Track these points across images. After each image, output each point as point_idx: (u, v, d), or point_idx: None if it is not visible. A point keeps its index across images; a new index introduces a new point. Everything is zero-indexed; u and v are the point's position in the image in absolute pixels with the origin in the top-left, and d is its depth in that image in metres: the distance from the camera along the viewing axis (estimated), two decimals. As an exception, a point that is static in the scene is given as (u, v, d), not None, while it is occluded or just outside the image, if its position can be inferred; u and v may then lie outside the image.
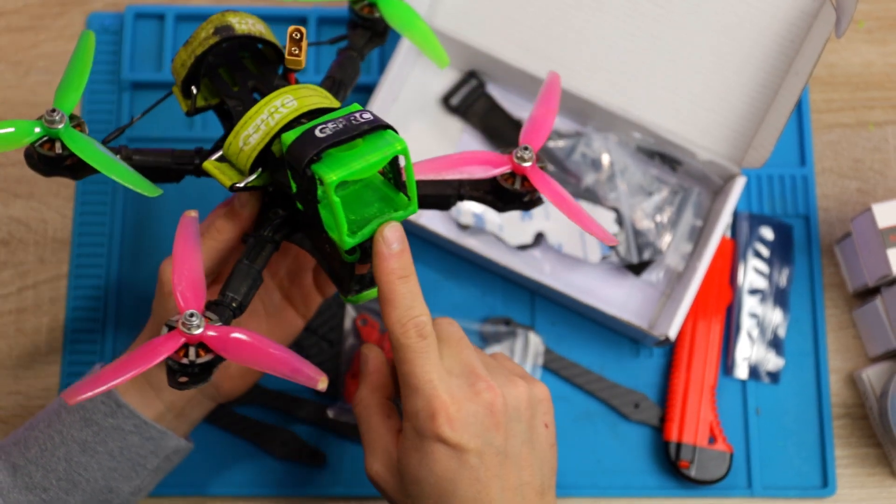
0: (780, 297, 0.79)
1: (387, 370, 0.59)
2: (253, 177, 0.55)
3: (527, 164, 0.59)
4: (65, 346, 0.78)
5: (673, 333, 0.73)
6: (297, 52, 0.56)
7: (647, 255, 0.78)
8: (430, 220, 0.79)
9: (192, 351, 0.50)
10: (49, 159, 0.56)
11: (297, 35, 0.56)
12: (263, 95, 0.58)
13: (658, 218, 0.78)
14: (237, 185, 0.55)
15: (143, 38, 0.84)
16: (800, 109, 0.83)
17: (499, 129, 0.81)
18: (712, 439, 0.75)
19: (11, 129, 0.55)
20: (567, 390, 0.78)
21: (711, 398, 0.76)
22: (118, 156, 0.58)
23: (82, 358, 0.77)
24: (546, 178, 0.59)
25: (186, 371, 0.50)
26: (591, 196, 0.78)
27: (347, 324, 0.77)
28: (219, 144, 0.58)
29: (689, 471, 0.75)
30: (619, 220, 0.78)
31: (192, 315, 0.49)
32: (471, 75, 0.82)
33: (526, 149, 0.59)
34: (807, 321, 0.79)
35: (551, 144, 0.79)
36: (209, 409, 0.66)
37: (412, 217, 0.77)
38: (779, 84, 0.75)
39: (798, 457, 0.77)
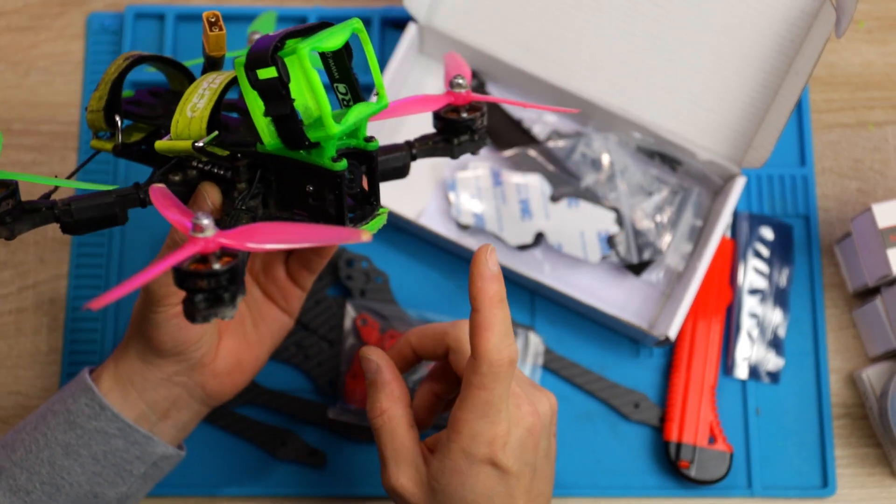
0: (780, 297, 0.79)
1: (402, 377, 0.59)
2: (213, 134, 0.51)
3: (464, 91, 0.57)
4: (65, 346, 0.78)
5: (673, 333, 0.73)
6: (216, 30, 0.54)
7: (647, 255, 0.78)
8: (430, 220, 0.79)
9: (213, 260, 0.44)
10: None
11: (213, 18, 0.54)
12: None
13: (658, 218, 0.78)
14: (197, 143, 0.51)
15: (143, 39, 0.84)
16: (800, 109, 0.83)
17: (498, 128, 0.81)
18: (712, 439, 0.75)
19: None
20: (567, 390, 0.78)
21: (711, 398, 0.76)
22: (50, 212, 0.52)
23: (82, 358, 0.77)
24: (484, 96, 0.58)
25: (208, 287, 0.44)
26: (591, 196, 0.78)
27: (347, 324, 0.77)
28: (156, 172, 0.55)
29: (689, 471, 0.75)
30: (619, 220, 0.78)
31: (202, 216, 0.43)
32: (471, 76, 0.82)
33: (459, 76, 0.58)
34: (807, 321, 0.79)
35: (551, 144, 0.79)
36: (200, 414, 0.64)
37: (412, 217, 0.77)
38: (779, 84, 0.75)
39: (798, 457, 0.77)
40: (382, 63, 0.83)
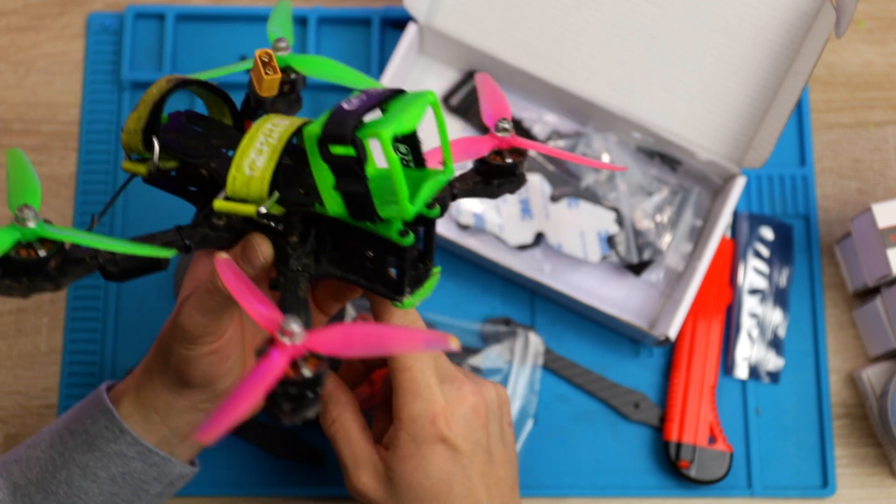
0: (780, 297, 0.79)
1: (345, 384, 0.60)
2: (275, 196, 0.50)
3: (509, 135, 0.56)
4: (65, 346, 0.78)
5: (673, 333, 0.73)
6: (271, 73, 0.53)
7: (646, 256, 0.78)
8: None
9: (302, 365, 0.43)
10: (28, 266, 0.48)
11: (265, 58, 0.54)
12: (230, 148, 0.55)
13: (658, 218, 0.78)
14: (262, 209, 0.50)
15: (144, 38, 0.84)
16: (800, 109, 0.83)
17: (499, 129, 0.81)
18: (712, 439, 0.75)
19: None
20: (567, 390, 0.78)
21: (711, 398, 0.76)
22: (95, 261, 0.51)
23: (82, 358, 0.77)
24: (528, 141, 0.57)
25: (297, 393, 0.43)
26: (591, 196, 0.78)
27: (347, 324, 0.77)
28: (200, 214, 0.54)
29: (689, 471, 0.75)
30: (619, 220, 0.78)
31: (291, 321, 0.43)
32: (471, 75, 0.82)
33: (504, 120, 0.57)
34: (807, 321, 0.79)
35: (551, 144, 0.79)
36: None
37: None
38: (778, 84, 0.75)
39: (798, 457, 0.77)
40: (382, 63, 0.83)
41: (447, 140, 0.50)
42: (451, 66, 0.82)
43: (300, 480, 0.75)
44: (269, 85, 0.54)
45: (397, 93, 0.48)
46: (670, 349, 0.78)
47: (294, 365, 0.43)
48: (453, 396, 0.56)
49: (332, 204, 0.49)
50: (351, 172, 0.47)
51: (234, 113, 0.58)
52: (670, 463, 0.75)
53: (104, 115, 0.82)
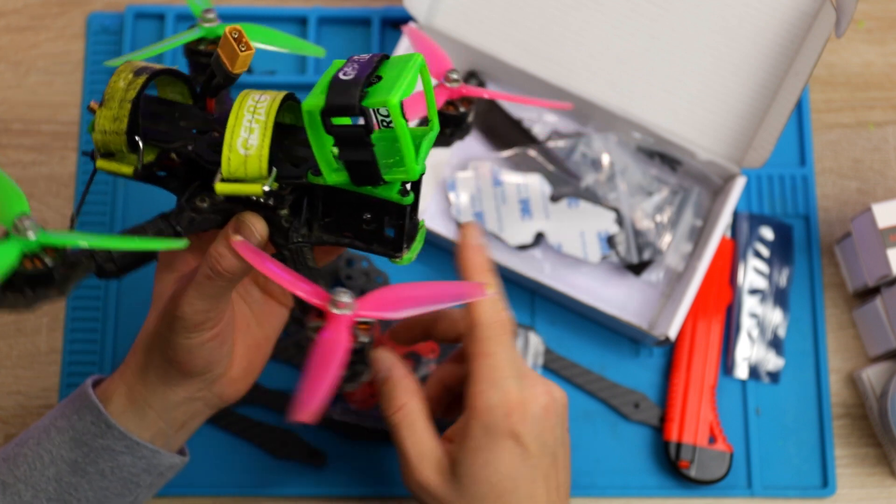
0: (780, 297, 0.79)
1: (414, 374, 0.60)
2: (275, 173, 0.50)
3: (458, 85, 0.58)
4: (65, 346, 0.78)
5: (673, 333, 0.73)
6: (245, 49, 0.52)
7: (646, 256, 0.78)
8: (431, 220, 0.79)
9: (358, 333, 0.46)
10: (38, 278, 0.46)
11: (235, 34, 0.53)
12: (200, 129, 0.54)
13: (658, 218, 0.78)
14: (266, 187, 0.50)
15: (144, 38, 0.84)
16: (800, 109, 0.83)
17: (498, 128, 0.81)
18: (712, 439, 0.75)
19: None
20: (567, 390, 0.77)
21: (711, 398, 0.76)
22: (91, 261, 0.50)
23: (82, 358, 0.77)
24: (477, 88, 0.58)
25: (355, 360, 0.46)
26: (591, 196, 0.78)
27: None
28: (181, 199, 0.54)
29: (689, 471, 0.75)
30: (619, 220, 0.78)
31: (340, 293, 0.46)
32: (471, 75, 0.82)
33: (452, 71, 0.58)
34: (807, 321, 0.79)
35: (551, 144, 0.79)
36: (207, 417, 0.64)
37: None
38: (778, 84, 0.75)
39: (798, 456, 0.77)
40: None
41: (433, 99, 0.50)
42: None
43: (300, 480, 0.75)
44: (244, 61, 0.53)
45: (384, 58, 0.49)
46: (670, 349, 0.78)
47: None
48: (527, 394, 0.55)
49: (331, 174, 0.50)
50: (358, 141, 0.47)
51: (193, 93, 0.57)
52: (670, 463, 0.75)
53: (104, 115, 0.82)
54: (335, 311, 0.46)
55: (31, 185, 0.81)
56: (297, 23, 0.84)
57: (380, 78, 0.47)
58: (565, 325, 0.78)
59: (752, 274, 0.79)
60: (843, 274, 0.80)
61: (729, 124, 0.77)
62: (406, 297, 0.47)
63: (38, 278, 0.46)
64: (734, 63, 0.76)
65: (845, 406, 0.78)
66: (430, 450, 0.56)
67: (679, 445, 0.75)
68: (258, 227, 0.52)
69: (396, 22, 0.84)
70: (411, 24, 0.64)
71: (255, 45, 0.54)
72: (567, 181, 0.79)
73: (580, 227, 0.77)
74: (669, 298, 0.77)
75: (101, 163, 0.54)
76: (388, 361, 0.59)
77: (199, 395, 0.60)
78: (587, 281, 0.78)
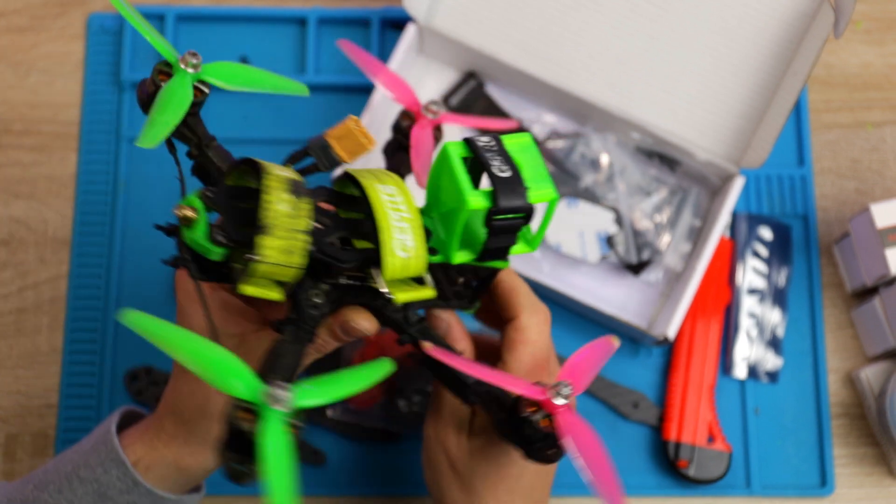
0: (778, 297, 0.79)
1: (470, 337, 0.61)
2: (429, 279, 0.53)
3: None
4: (65, 346, 0.78)
5: (672, 333, 0.73)
6: (367, 143, 0.54)
7: (645, 256, 0.78)
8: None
9: (539, 416, 0.48)
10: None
11: (355, 125, 0.54)
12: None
13: (657, 218, 0.78)
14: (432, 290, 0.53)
15: (144, 39, 0.84)
16: (798, 110, 0.83)
17: (498, 129, 0.81)
18: (711, 439, 0.76)
19: None
20: (566, 390, 0.78)
21: (710, 398, 0.76)
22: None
23: (82, 358, 0.77)
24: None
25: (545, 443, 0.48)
26: (590, 196, 0.78)
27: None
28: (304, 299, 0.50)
29: (688, 470, 0.75)
30: (618, 220, 0.78)
31: (561, 385, 0.48)
32: (470, 75, 0.82)
33: (433, 102, 0.59)
34: (805, 321, 0.79)
35: (550, 144, 0.79)
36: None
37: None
38: (777, 85, 0.75)
39: (796, 456, 0.77)
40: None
41: (548, 220, 0.52)
42: (451, 67, 0.82)
43: (300, 480, 0.75)
44: (359, 152, 0.54)
45: (500, 140, 0.52)
46: (669, 349, 0.78)
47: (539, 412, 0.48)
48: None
49: (457, 254, 0.52)
50: (512, 231, 0.51)
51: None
52: (669, 462, 0.75)
53: (104, 115, 0.82)
54: (558, 400, 0.47)
55: (31, 185, 0.81)
56: (297, 23, 0.84)
57: (513, 161, 0.50)
58: (564, 325, 0.79)
59: (751, 274, 0.79)
60: (841, 274, 0.80)
61: (728, 124, 0.77)
62: (589, 365, 0.51)
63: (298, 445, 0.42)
64: (733, 63, 0.76)
65: (844, 406, 0.78)
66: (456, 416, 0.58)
67: (678, 445, 0.75)
68: (369, 325, 0.53)
69: (396, 22, 0.84)
70: (379, 70, 0.61)
71: (235, 88, 0.52)
72: (566, 181, 0.79)
73: (579, 227, 0.78)
74: (668, 298, 0.78)
75: (248, 289, 0.48)
76: (447, 322, 0.60)
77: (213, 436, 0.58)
78: (586, 281, 0.78)
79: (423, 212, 0.53)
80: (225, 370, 0.42)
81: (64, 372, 0.77)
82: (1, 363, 0.78)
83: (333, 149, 0.54)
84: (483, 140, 0.51)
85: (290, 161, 0.54)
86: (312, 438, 0.76)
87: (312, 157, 0.55)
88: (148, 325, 0.43)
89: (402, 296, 0.51)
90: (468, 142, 0.51)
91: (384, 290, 0.50)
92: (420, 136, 0.58)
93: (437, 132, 0.60)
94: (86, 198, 0.80)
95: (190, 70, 0.49)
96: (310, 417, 0.75)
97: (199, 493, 0.62)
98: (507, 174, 0.49)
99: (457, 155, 0.50)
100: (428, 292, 0.52)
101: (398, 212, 0.50)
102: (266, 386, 0.40)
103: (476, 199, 0.49)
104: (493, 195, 0.49)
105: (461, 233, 0.51)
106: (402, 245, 0.49)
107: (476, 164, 0.51)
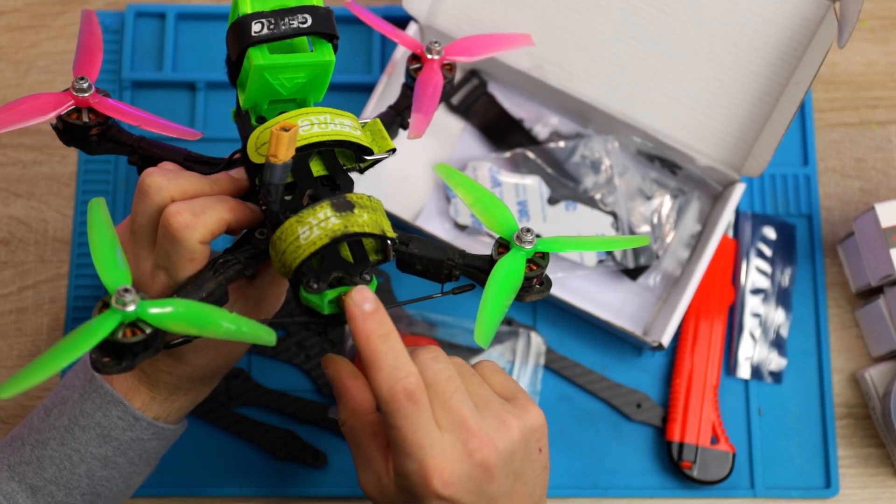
0: (782, 297, 0.79)
1: (362, 384, 0.57)
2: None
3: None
4: (65, 346, 0.78)
5: (666, 340, 0.72)
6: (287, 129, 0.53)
7: (643, 260, 0.77)
8: (429, 220, 0.78)
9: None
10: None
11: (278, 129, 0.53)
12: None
13: (656, 222, 0.78)
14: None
15: (144, 38, 0.84)
16: (803, 109, 0.83)
17: (499, 128, 0.81)
18: (715, 439, 0.75)
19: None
20: (569, 390, 0.77)
21: (714, 398, 0.76)
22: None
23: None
24: (112, 103, 0.57)
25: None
26: (589, 199, 0.78)
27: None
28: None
29: (692, 471, 0.74)
30: (616, 225, 0.77)
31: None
32: (472, 75, 0.81)
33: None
34: (809, 321, 0.79)
35: (552, 145, 0.79)
36: (202, 393, 0.64)
37: (410, 217, 0.77)
38: (780, 92, 0.75)
39: (801, 457, 0.77)
40: (382, 63, 0.83)
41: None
42: (452, 66, 0.82)
43: (300, 480, 0.75)
44: (288, 144, 0.53)
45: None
46: (672, 349, 0.78)
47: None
48: (456, 454, 0.52)
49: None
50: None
51: None
52: (673, 463, 0.75)
53: (105, 114, 0.82)
54: (429, 56, 0.61)
55: (31, 184, 0.81)
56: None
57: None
58: (567, 326, 0.78)
59: (755, 274, 0.79)
60: (845, 273, 0.80)
61: (730, 131, 0.76)
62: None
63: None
64: (736, 69, 0.75)
65: (848, 406, 0.78)
66: (371, 467, 0.55)
67: (681, 446, 0.75)
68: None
69: (397, 22, 0.83)
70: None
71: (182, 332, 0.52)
72: (565, 184, 0.79)
73: (577, 231, 0.77)
74: (666, 303, 0.77)
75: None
76: (331, 375, 0.57)
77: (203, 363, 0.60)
78: (583, 284, 0.78)
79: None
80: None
81: (64, 372, 0.77)
82: (1, 363, 0.78)
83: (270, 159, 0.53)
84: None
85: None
86: (312, 438, 0.76)
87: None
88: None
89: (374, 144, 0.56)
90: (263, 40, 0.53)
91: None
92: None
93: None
94: (86, 198, 0.80)
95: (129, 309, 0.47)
96: (310, 418, 0.75)
97: (184, 424, 0.64)
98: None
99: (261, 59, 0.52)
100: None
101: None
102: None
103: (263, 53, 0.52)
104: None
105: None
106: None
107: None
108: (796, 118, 0.82)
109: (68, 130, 0.57)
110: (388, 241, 0.53)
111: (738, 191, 0.76)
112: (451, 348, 0.76)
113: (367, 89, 0.79)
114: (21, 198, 0.81)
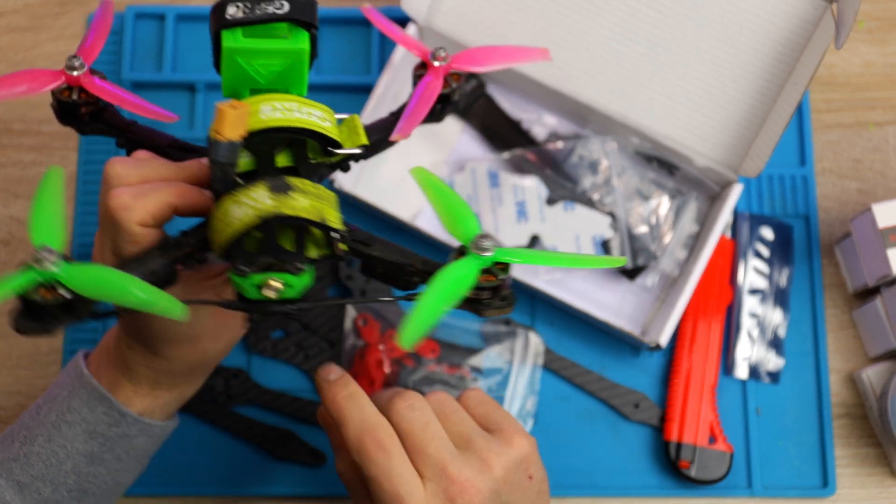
0: (780, 297, 0.79)
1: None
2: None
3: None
4: (65, 346, 0.78)
5: (664, 341, 0.73)
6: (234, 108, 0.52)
7: (641, 260, 0.77)
8: (428, 220, 0.78)
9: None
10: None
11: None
12: None
13: (654, 222, 0.78)
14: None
15: (144, 38, 0.84)
16: (800, 109, 0.83)
17: (498, 129, 0.81)
18: (712, 439, 0.75)
19: None
20: (567, 390, 0.78)
21: (712, 398, 0.76)
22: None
23: (82, 358, 0.77)
24: (98, 83, 0.57)
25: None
26: (587, 200, 0.78)
27: (348, 324, 0.77)
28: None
29: (690, 471, 0.75)
30: (615, 225, 0.77)
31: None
32: (471, 76, 0.81)
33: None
34: (807, 321, 0.79)
35: (550, 146, 0.79)
36: (186, 391, 0.64)
37: (408, 218, 0.77)
38: (777, 92, 0.75)
39: (798, 457, 0.77)
40: (382, 63, 0.83)
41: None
42: (451, 66, 0.82)
43: (300, 480, 0.75)
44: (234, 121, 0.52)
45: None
46: (670, 349, 0.78)
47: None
48: (439, 498, 0.53)
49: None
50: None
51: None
52: (670, 463, 0.75)
53: (104, 115, 0.82)
54: (434, 63, 0.58)
55: (31, 184, 0.81)
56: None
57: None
58: (565, 326, 0.78)
59: (753, 274, 0.79)
60: (843, 274, 0.80)
61: (728, 131, 0.76)
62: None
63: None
64: (734, 70, 0.76)
65: (845, 406, 0.78)
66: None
67: (679, 445, 0.75)
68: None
69: (396, 22, 0.84)
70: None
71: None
72: (563, 185, 0.79)
73: (575, 231, 0.77)
74: (664, 303, 0.77)
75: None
76: (331, 428, 0.60)
77: (184, 356, 0.60)
78: (582, 284, 0.78)
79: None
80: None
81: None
82: (1, 363, 0.78)
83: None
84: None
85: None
86: (312, 438, 0.76)
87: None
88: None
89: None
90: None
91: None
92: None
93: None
94: (86, 198, 0.80)
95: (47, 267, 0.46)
96: (310, 417, 0.75)
97: (176, 421, 0.64)
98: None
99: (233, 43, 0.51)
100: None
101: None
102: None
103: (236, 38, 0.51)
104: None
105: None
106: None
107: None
108: (794, 119, 0.83)
109: (62, 108, 0.57)
110: (333, 234, 0.51)
111: (736, 191, 0.76)
112: (451, 348, 0.76)
113: (366, 90, 0.80)
114: (21, 198, 0.81)
